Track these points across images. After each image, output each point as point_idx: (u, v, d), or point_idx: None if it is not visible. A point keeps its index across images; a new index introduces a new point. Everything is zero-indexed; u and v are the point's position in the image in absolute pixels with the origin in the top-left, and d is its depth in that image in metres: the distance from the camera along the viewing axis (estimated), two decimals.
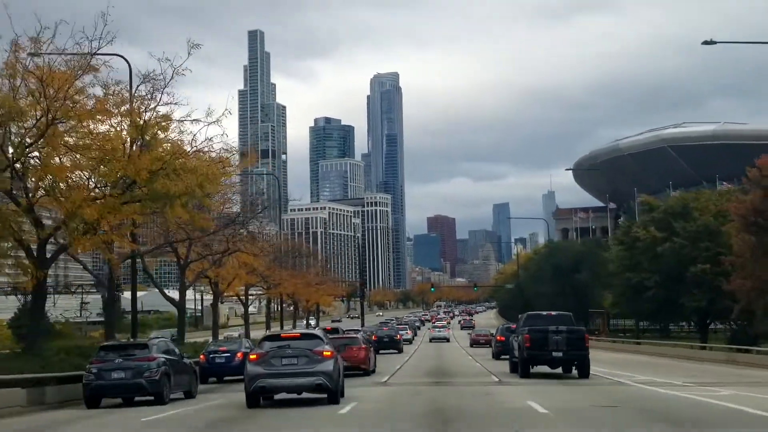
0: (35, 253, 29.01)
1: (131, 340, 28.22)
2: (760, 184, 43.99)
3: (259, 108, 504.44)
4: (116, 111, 28.45)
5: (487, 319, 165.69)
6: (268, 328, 74.70)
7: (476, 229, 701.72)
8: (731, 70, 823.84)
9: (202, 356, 34.52)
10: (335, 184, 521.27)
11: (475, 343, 74.92)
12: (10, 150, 27.41)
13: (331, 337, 43.91)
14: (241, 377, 23.96)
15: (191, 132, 30.36)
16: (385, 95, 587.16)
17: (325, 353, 21.93)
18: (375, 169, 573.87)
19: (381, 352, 54.81)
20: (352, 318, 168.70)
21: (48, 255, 30.04)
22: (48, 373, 25.29)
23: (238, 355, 33.66)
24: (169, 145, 28.83)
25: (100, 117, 27.99)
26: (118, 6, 30.03)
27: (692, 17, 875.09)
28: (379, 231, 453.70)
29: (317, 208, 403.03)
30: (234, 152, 32.72)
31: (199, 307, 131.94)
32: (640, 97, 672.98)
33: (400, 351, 62.47)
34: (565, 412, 19.88)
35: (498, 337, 52.00)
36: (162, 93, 29.19)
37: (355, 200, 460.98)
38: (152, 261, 61.50)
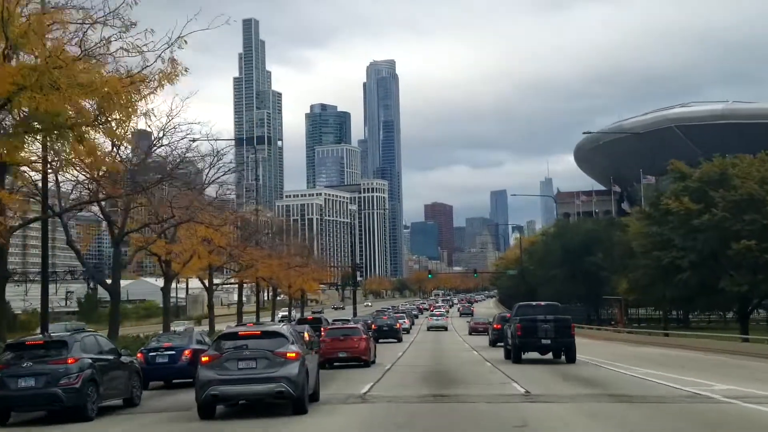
0: None
1: (47, 335, 21.96)
2: None
3: (254, 95, 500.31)
4: None
5: (487, 308, 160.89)
6: (240, 320, 63.68)
7: (474, 217, 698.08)
8: (731, 57, 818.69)
9: (139, 354, 27.34)
10: (331, 170, 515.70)
11: (473, 330, 75.40)
12: None
13: (330, 327, 42.50)
14: (189, 380, 21.41)
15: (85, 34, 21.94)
16: (382, 82, 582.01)
17: (288, 354, 18.99)
18: (371, 156, 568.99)
19: (380, 341, 54.37)
20: (336, 309, 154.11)
21: None
22: None
23: (186, 353, 27.38)
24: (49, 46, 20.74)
25: None
26: None
27: (692, 5, 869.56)
28: (375, 217, 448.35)
29: (313, 195, 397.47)
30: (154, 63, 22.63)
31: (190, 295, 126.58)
32: (640, 86, 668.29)
33: (400, 340, 62.07)
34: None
35: (495, 326, 53.73)
36: None
37: (352, 186, 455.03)
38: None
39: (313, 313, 73.74)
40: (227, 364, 18.69)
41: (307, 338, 40.85)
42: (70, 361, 18.73)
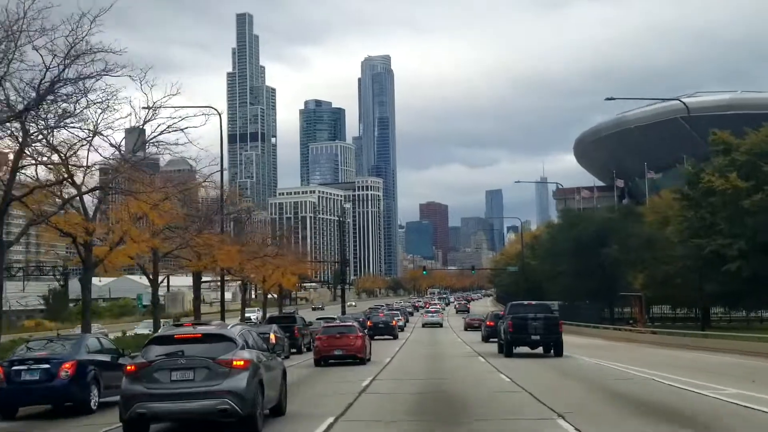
0: None
1: None
2: None
3: (248, 91, 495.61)
4: None
5: (484, 307, 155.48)
6: (197, 318, 48.25)
7: (469, 217, 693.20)
8: (730, 55, 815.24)
9: None
10: (325, 167, 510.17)
11: (469, 326, 77.18)
12: None
13: (325, 325, 41.50)
14: (69, 404, 18.83)
15: None
16: (377, 78, 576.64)
17: (235, 363, 15.52)
18: (366, 153, 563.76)
19: (376, 338, 54.87)
20: (315, 309, 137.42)
21: None
22: None
23: (65, 366, 19.87)
24: None
25: None
26: None
27: (690, 2, 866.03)
28: (370, 216, 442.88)
29: (306, 192, 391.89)
30: None
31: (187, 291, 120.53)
32: (637, 84, 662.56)
33: (396, 337, 62.09)
34: None
35: (488, 323, 56.16)
36: None
37: (346, 184, 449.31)
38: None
39: (283, 313, 61.09)
40: (158, 375, 15.32)
41: (273, 340, 36.45)
42: None
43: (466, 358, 38.32)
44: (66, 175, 28.74)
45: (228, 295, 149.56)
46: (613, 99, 50.46)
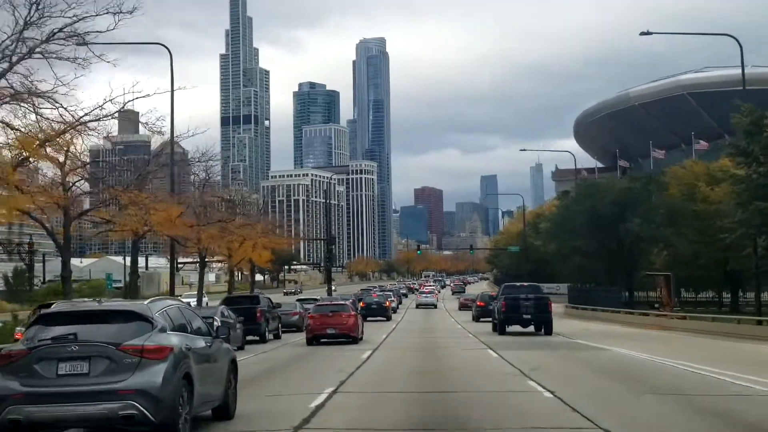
0: None
1: None
2: None
3: (241, 73, 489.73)
4: None
5: (480, 289, 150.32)
6: (132, 297, 39.87)
7: (463, 201, 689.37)
8: (728, 42, 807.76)
9: None
10: (319, 150, 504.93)
11: (463, 306, 78.13)
12: None
13: (319, 303, 41.56)
14: None
15: None
16: (371, 60, 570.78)
17: (148, 350, 11.26)
18: (361, 137, 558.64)
19: (368, 319, 53.89)
20: (287, 294, 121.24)
21: None
22: None
23: None
24: None
25: None
26: None
27: None
28: (364, 200, 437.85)
29: (299, 175, 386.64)
30: None
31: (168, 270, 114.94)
32: (635, 69, 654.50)
33: (389, 319, 60.66)
34: None
35: (478, 303, 58.07)
36: None
37: (340, 168, 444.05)
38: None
39: (243, 293, 50.47)
40: (39, 368, 11.26)
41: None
42: None
43: (474, 351, 31.01)
44: None
45: (211, 277, 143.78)
46: (650, 33, 44.83)
